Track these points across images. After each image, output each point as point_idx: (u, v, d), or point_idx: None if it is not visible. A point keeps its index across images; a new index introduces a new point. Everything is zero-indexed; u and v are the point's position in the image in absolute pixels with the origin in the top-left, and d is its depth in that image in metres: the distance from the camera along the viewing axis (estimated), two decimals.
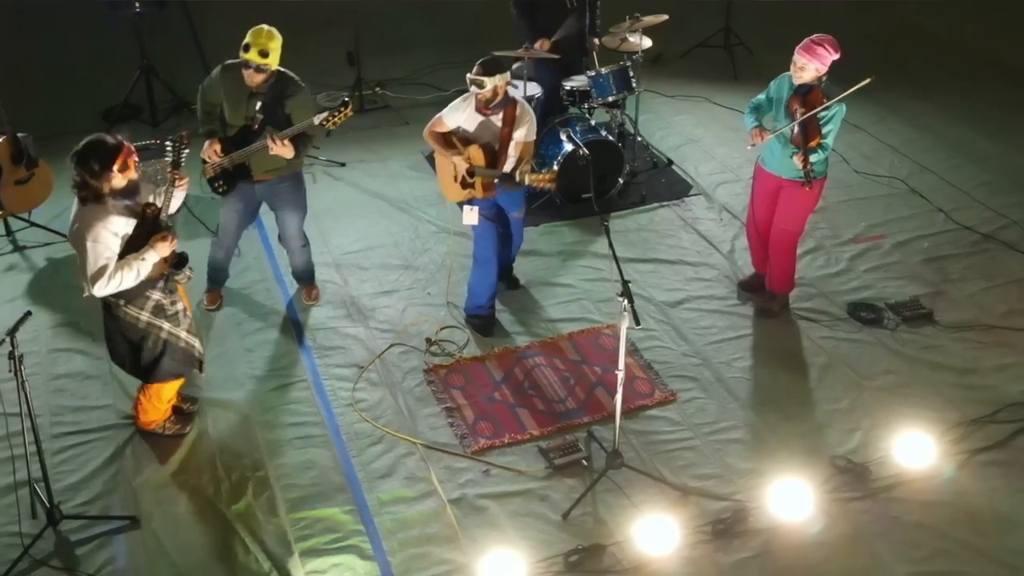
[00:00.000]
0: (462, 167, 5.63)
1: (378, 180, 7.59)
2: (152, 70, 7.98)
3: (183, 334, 4.99)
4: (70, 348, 5.87)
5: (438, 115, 5.77)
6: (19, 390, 4.40)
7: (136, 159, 4.66)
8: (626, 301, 4.55)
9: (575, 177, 6.95)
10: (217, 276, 6.16)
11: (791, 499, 4.90)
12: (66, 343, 5.92)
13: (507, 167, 5.60)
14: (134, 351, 4.95)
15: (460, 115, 5.69)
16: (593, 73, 7.12)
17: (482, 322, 6.08)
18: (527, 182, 5.51)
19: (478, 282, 5.99)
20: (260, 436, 5.31)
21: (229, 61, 5.66)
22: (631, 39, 7.34)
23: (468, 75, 5.52)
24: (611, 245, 4.82)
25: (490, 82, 5.45)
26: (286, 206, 5.92)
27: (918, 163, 7.85)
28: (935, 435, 5.26)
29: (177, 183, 4.84)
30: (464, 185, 5.71)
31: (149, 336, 4.89)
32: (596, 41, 7.50)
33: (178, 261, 4.88)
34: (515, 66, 7.70)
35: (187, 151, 4.87)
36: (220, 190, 5.78)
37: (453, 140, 5.74)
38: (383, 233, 6.95)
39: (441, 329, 6.05)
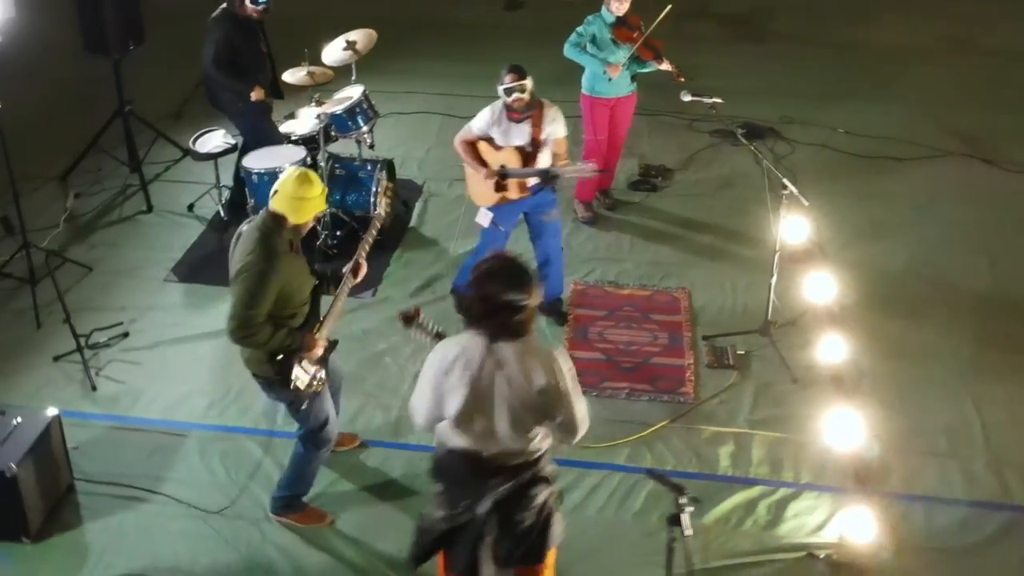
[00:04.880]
0: (490, 178, 5.70)
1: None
2: None
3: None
4: None
5: (467, 125, 5.89)
6: None
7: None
8: (790, 190, 5.56)
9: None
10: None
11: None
12: None
13: (540, 165, 5.78)
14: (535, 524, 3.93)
15: (487, 122, 5.77)
16: (340, 110, 6.80)
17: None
18: (567, 174, 5.73)
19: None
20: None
21: (277, 240, 4.32)
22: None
23: (501, 87, 5.63)
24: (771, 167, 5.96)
25: (528, 83, 5.63)
26: None
27: None
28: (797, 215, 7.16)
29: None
30: (498, 189, 5.77)
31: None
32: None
33: None
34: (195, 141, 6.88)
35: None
36: (320, 387, 4.64)
37: (479, 149, 5.80)
38: None
39: None
